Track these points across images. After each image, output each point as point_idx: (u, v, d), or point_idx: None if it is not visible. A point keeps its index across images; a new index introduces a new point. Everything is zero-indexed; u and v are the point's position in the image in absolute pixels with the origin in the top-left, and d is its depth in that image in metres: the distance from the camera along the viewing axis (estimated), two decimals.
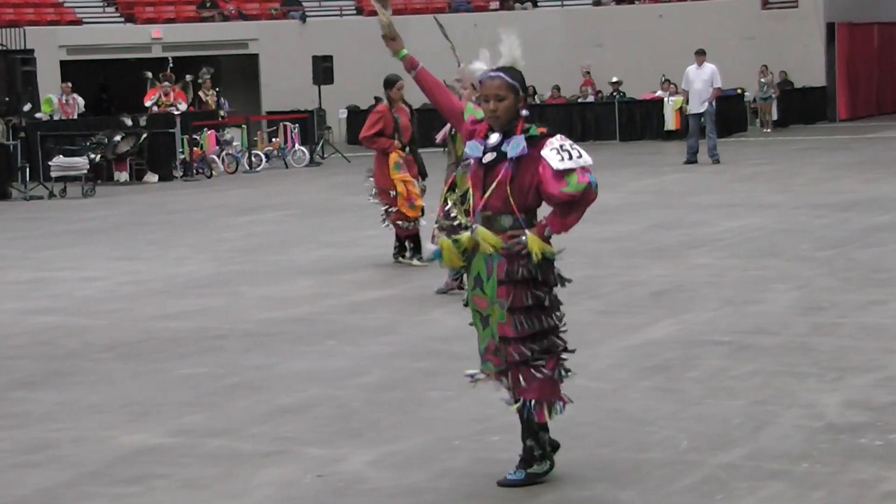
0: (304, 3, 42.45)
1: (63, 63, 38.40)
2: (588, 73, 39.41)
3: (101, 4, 42.05)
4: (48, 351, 10.24)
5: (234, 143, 31.17)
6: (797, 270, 12.56)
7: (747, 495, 6.12)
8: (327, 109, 35.39)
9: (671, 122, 35.26)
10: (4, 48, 32.26)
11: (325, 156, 33.06)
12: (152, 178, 28.58)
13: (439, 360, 9.16)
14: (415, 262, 13.73)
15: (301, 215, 19.86)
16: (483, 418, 7.53)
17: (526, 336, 6.26)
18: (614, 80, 38.51)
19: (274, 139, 32.81)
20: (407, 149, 13.89)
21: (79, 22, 40.58)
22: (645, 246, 14.64)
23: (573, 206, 6.18)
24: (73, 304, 12.43)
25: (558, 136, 6.20)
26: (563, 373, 6.40)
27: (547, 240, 6.27)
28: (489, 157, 6.25)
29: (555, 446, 6.47)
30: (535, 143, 6.18)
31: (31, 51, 30.73)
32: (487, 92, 6.24)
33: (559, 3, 43.03)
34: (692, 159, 26.54)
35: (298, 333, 10.53)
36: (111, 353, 10.02)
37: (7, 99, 28.22)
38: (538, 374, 6.29)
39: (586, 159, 6.12)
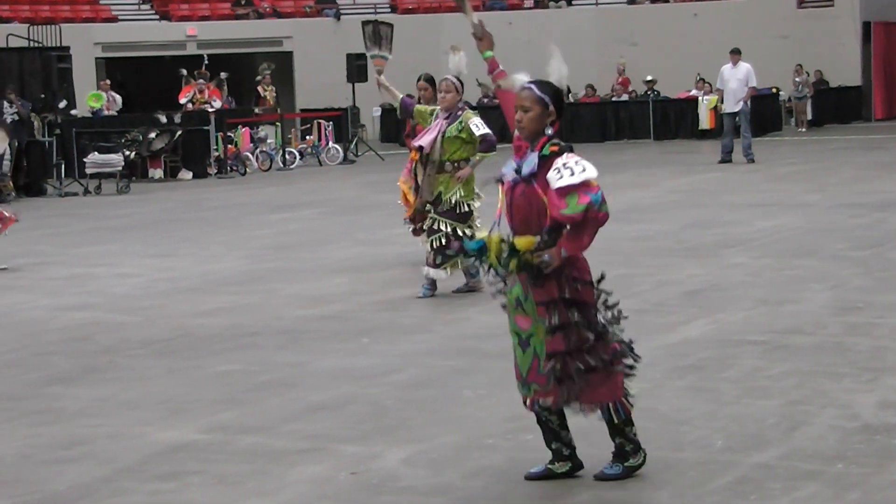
0: (339, 1, 42.49)
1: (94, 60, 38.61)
2: (623, 70, 39.29)
3: (136, 2, 42.20)
4: (84, 347, 10.29)
5: (269, 141, 31.25)
6: (832, 270, 12.51)
7: (782, 496, 6.10)
8: (361, 107, 35.42)
9: (706, 121, 35.17)
10: (40, 45, 32.39)
11: (359, 154, 33.10)
12: (186, 175, 28.69)
13: (472, 358, 9.16)
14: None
15: (335, 213, 19.89)
16: (516, 417, 7.50)
17: (580, 348, 6.25)
18: (648, 78, 38.41)
19: (308, 137, 32.86)
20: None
21: (114, 19, 40.75)
22: (679, 245, 14.61)
23: (581, 227, 6.13)
24: (109, 301, 12.48)
25: (566, 154, 6.15)
26: (624, 370, 6.43)
27: (564, 260, 6.20)
28: (514, 178, 6.29)
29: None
30: (546, 162, 6.17)
31: (67, 48, 30.85)
32: (517, 102, 6.28)
33: (593, 1, 42.95)
34: (727, 158, 26.46)
35: (332, 331, 10.54)
36: (146, 350, 10.06)
37: (43, 96, 28.35)
38: (597, 378, 6.29)
39: (590, 173, 6.06)
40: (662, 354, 9.16)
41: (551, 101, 6.24)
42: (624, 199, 19.40)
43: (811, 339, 9.51)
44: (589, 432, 6.65)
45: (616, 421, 6.38)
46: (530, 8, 42.38)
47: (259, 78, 33.76)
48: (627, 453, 6.44)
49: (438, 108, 12.01)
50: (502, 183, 6.36)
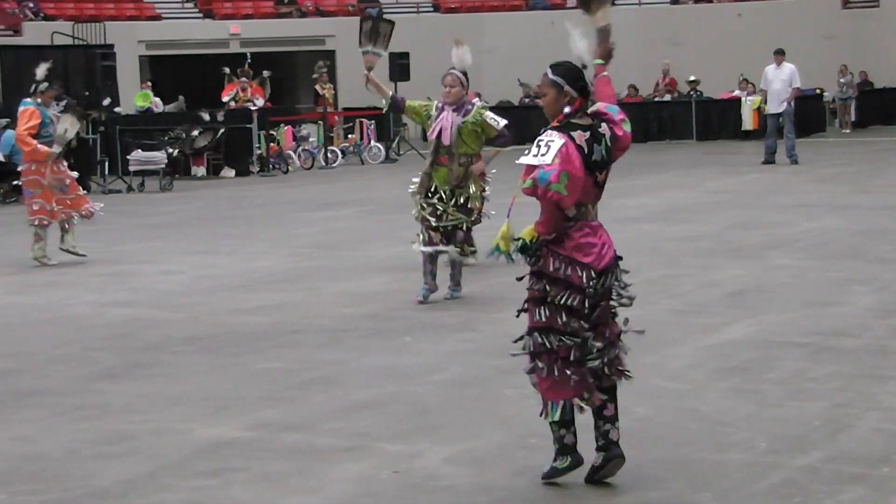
0: (381, 0, 42.54)
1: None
2: (668, 71, 39.14)
3: (180, 0, 42.34)
4: (128, 343, 10.34)
5: (311, 139, 31.31)
6: (877, 272, 12.43)
7: (826, 499, 6.07)
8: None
9: (749, 122, 35.01)
10: (85, 43, 32.56)
11: (401, 152, 33.13)
12: (229, 172, 28.78)
13: (516, 358, 9.12)
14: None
15: (377, 211, 19.89)
16: None
17: (530, 327, 6.46)
18: (691, 79, 38.27)
19: (350, 135, 32.91)
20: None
21: (158, 17, 40.93)
22: (723, 246, 14.55)
23: (541, 205, 6.25)
24: (153, 298, 12.53)
25: (549, 131, 6.27)
26: (564, 373, 6.34)
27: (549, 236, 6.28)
28: None
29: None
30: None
31: (111, 45, 30.98)
32: (539, 89, 6.51)
33: (636, 1, 42.85)
34: (770, 159, 26.35)
35: (375, 329, 10.55)
36: (190, 347, 10.09)
37: (87, 93, 28.47)
38: (534, 371, 6.45)
39: (547, 158, 6.14)
40: (705, 356, 9.13)
41: (566, 82, 6.39)
42: (666, 199, 19.37)
43: (856, 342, 9.46)
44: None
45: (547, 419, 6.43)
46: (572, 8, 42.28)
47: (315, 76, 33.72)
48: (556, 453, 6.46)
49: (437, 102, 11.97)
50: None
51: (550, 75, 6.42)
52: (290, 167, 29.75)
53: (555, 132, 6.25)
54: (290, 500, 6.37)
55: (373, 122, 32.83)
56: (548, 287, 6.33)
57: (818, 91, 37.66)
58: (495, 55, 39.97)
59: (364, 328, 10.59)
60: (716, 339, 9.70)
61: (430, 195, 11.86)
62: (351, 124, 33.31)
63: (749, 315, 10.54)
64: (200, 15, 41.93)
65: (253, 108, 30.57)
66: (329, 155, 31.17)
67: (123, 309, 11.93)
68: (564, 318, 6.31)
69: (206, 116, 29.71)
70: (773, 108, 26.64)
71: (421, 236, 11.84)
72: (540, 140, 6.25)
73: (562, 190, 6.10)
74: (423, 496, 6.35)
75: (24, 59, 28.98)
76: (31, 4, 37.61)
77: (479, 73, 39.69)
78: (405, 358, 9.44)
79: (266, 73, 32.73)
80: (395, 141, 33.30)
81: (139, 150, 26.47)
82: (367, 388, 8.54)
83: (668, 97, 38.67)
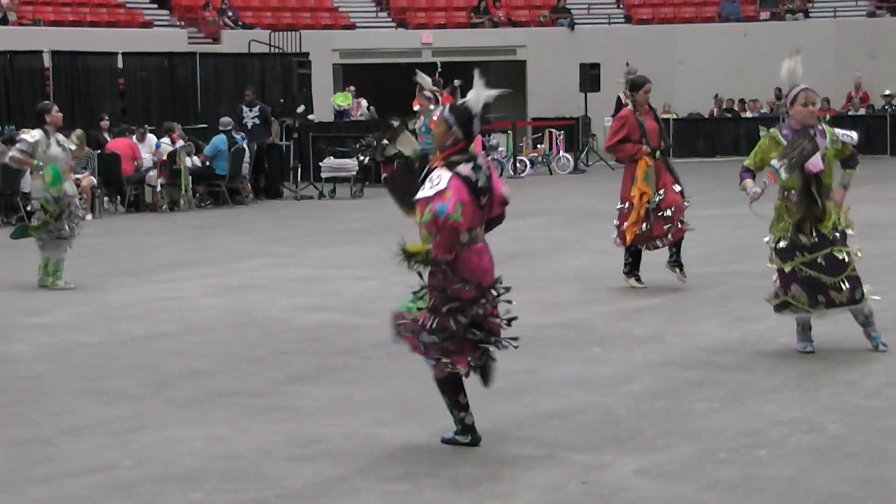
0: (573, 11, 42.50)
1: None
2: (860, 84, 38.44)
3: (374, 9, 42.82)
4: (320, 347, 10.48)
5: (500, 149, 31.44)
6: None
7: None
8: (593, 117, 35.36)
9: None
10: (281, 51, 33.15)
11: (590, 163, 33.06)
12: None
13: (707, 370, 9.06)
14: (632, 282, 13.11)
15: (566, 221, 19.88)
16: (751, 431, 7.43)
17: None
18: (887, 92, 37.52)
19: (539, 145, 32.96)
20: (657, 154, 13.03)
21: (352, 26, 41.44)
22: None
23: (438, 234, 7.14)
24: (344, 303, 12.69)
25: (436, 170, 7.10)
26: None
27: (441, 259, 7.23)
28: None
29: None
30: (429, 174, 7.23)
31: (307, 54, 31.50)
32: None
33: (832, 13, 42.12)
34: None
35: (564, 339, 10.54)
36: (381, 352, 10.17)
37: (283, 100, 29.00)
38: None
39: (440, 187, 6.99)
40: None
41: (456, 123, 7.17)
42: (862, 214, 18.93)
43: None
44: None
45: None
46: (766, 20, 41.75)
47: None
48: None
49: (782, 131, 9.58)
50: None
51: (445, 112, 7.19)
52: None
53: (442, 170, 7.03)
54: None
55: (562, 132, 32.86)
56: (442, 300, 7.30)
57: None
58: (687, 67, 39.65)
59: (554, 338, 10.58)
60: None
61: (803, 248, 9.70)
62: (540, 134, 33.36)
63: None
64: (394, 24, 42.33)
65: None
66: (518, 164, 31.25)
67: (315, 313, 12.10)
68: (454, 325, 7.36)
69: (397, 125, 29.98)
70: None
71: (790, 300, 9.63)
72: (431, 177, 7.03)
73: (458, 218, 6.99)
74: None
75: (223, 67, 29.68)
76: (230, 13, 38.39)
77: (671, 84, 39.46)
78: (595, 368, 9.41)
79: (457, 82, 32.86)
80: (584, 152, 33.27)
81: (331, 157, 26.87)
82: (556, 397, 8.54)
83: (862, 111, 37.97)
